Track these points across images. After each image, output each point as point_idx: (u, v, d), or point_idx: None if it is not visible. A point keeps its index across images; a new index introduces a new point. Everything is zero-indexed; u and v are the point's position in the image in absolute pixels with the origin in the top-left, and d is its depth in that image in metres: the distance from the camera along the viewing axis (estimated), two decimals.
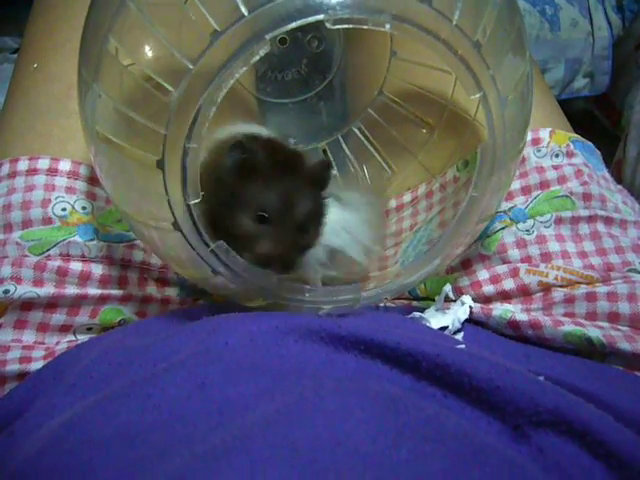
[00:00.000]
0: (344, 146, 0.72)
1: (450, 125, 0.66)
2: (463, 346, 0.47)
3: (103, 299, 0.56)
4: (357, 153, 0.72)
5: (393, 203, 0.69)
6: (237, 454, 0.31)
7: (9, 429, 0.41)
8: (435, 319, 0.55)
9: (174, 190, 0.40)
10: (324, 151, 0.72)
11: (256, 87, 0.70)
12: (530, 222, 0.60)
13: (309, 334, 0.42)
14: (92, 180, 0.58)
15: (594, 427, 0.36)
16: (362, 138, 0.72)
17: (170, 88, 0.37)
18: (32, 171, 0.57)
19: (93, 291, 0.55)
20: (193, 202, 0.40)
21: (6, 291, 0.52)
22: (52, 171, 0.57)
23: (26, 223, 0.56)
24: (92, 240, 0.56)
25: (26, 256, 0.54)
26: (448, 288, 0.58)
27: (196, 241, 0.42)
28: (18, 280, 0.53)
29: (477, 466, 0.32)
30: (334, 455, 0.32)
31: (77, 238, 0.56)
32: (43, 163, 0.57)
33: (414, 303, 0.62)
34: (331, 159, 0.71)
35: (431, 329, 0.52)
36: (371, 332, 0.42)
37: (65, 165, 0.58)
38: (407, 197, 0.69)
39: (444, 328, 0.55)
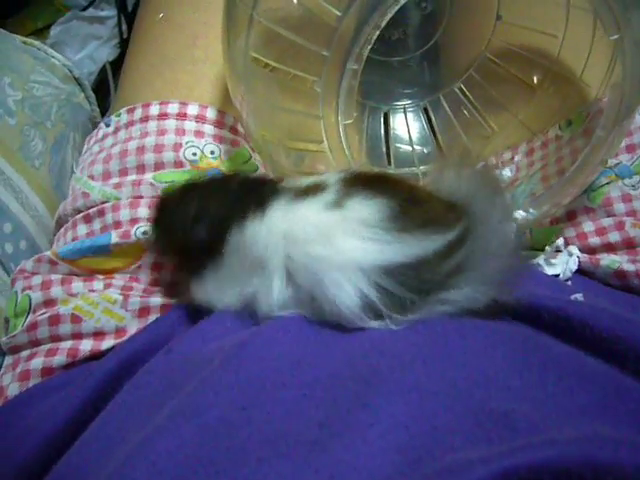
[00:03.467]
0: (444, 104, 0.74)
1: (553, 85, 0.68)
2: (580, 295, 0.48)
3: None
4: (456, 112, 0.74)
5: (492, 161, 0.71)
6: (397, 389, 0.33)
7: (165, 347, 0.44)
8: (548, 267, 0.57)
9: (327, 111, 0.42)
10: (425, 109, 0.74)
11: None
12: (636, 178, 0.61)
13: None
14: (219, 123, 0.61)
15: None
16: (462, 97, 0.74)
17: (336, 12, 0.40)
18: (163, 115, 0.60)
19: None
20: (346, 122, 0.42)
21: (145, 232, 0.55)
22: (181, 115, 0.60)
23: (158, 165, 0.59)
24: None
25: None
26: (561, 241, 0.60)
27: (344, 161, 0.45)
28: None
29: (620, 400, 0.33)
30: (488, 391, 0.33)
31: None
32: (173, 108, 0.61)
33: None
34: (432, 117, 0.74)
35: (548, 276, 0.54)
36: None
37: (193, 109, 0.61)
38: (507, 155, 0.70)
39: (555, 276, 0.57)
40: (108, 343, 0.52)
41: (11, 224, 0.62)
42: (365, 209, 0.39)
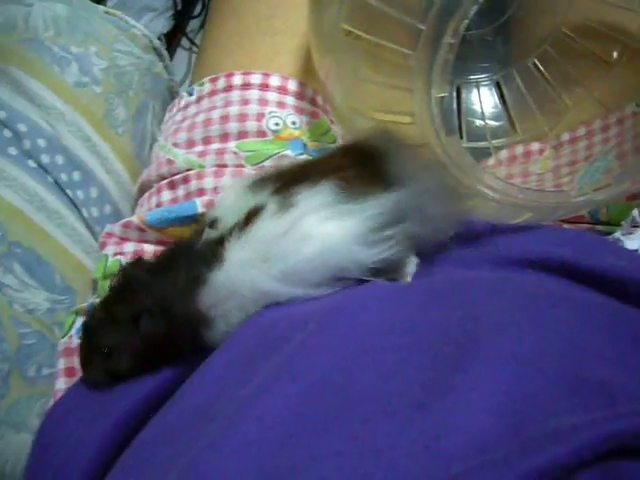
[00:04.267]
0: (517, 79, 0.74)
1: (631, 61, 0.67)
2: None
3: None
4: (529, 86, 0.73)
5: (566, 137, 0.71)
6: (494, 355, 0.33)
7: None
8: (627, 242, 0.56)
9: (420, 85, 0.43)
10: (498, 83, 0.74)
11: None
12: None
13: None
14: (299, 95, 0.62)
15: None
16: (535, 72, 0.73)
17: None
18: (246, 85, 0.61)
19: None
20: (440, 95, 0.43)
21: None
22: (264, 86, 0.61)
23: (241, 134, 0.60)
24: (302, 154, 0.60)
25: (243, 166, 0.59)
26: (636, 212, 0.60)
27: (430, 134, 0.45)
28: None
29: None
30: (582, 360, 0.33)
31: (289, 152, 0.60)
32: (256, 78, 0.62)
33: (598, 227, 0.64)
34: (505, 92, 0.73)
35: (628, 250, 0.54)
36: (576, 258, 0.44)
37: (275, 80, 0.62)
38: (581, 130, 0.70)
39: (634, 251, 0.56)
40: None
41: (97, 189, 0.65)
42: (317, 196, 0.40)
